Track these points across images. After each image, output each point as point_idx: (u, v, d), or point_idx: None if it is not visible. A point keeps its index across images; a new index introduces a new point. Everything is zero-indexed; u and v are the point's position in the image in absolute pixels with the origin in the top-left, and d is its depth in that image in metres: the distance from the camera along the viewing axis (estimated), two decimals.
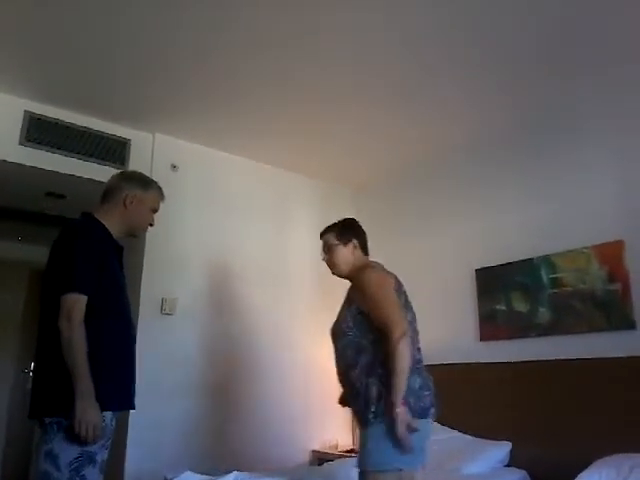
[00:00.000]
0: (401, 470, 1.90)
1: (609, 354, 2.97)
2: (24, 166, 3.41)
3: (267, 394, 3.88)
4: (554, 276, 3.41)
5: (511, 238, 3.66)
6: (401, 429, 1.84)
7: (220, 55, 2.97)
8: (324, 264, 4.34)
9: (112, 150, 3.72)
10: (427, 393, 2.03)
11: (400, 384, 1.89)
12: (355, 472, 2.99)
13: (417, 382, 2.01)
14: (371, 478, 1.94)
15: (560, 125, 3.53)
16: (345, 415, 4.29)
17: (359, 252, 2.33)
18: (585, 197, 3.34)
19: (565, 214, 3.41)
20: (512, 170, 3.76)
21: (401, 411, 1.86)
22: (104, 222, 2.02)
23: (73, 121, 3.57)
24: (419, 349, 2.12)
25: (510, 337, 3.53)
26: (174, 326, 3.62)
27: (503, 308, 3.63)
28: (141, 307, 3.52)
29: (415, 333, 2.13)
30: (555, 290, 3.39)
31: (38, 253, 5.17)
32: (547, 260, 3.45)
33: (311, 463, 3.83)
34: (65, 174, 3.57)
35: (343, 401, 2.33)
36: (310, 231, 4.52)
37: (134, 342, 2.04)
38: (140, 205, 2.10)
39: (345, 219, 2.45)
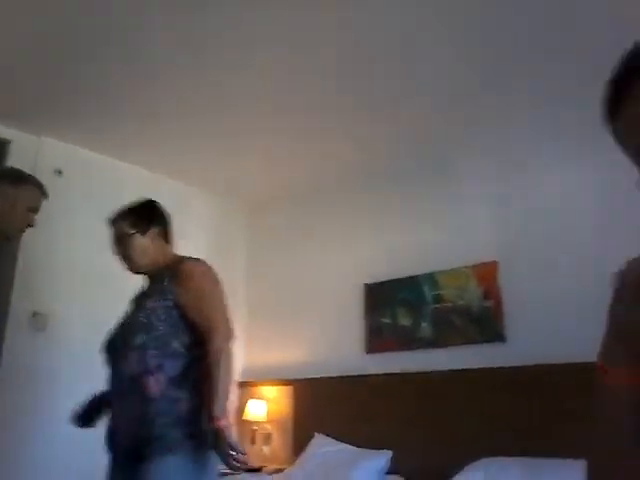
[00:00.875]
0: None
1: (482, 365, 3.19)
2: None
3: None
4: (436, 293, 3.62)
5: (399, 255, 3.85)
6: (226, 447, 1.52)
7: (116, 59, 2.85)
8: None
9: None
10: None
11: (226, 391, 1.60)
12: None
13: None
14: None
15: (446, 159, 3.80)
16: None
17: (160, 242, 1.95)
18: (466, 221, 3.63)
19: (449, 236, 3.66)
20: (403, 193, 3.97)
21: (226, 425, 1.55)
22: None
23: None
24: None
25: (395, 349, 3.68)
26: (46, 344, 3.35)
27: (389, 322, 3.78)
28: (9, 321, 3.23)
29: None
30: (437, 305, 3.59)
31: None
32: (431, 277, 3.66)
33: None
34: None
35: (85, 418, 1.88)
36: (203, 244, 4.43)
37: None
38: (12, 204, 1.92)
39: (142, 202, 2.05)
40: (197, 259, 1.89)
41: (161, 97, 3.23)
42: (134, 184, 4.05)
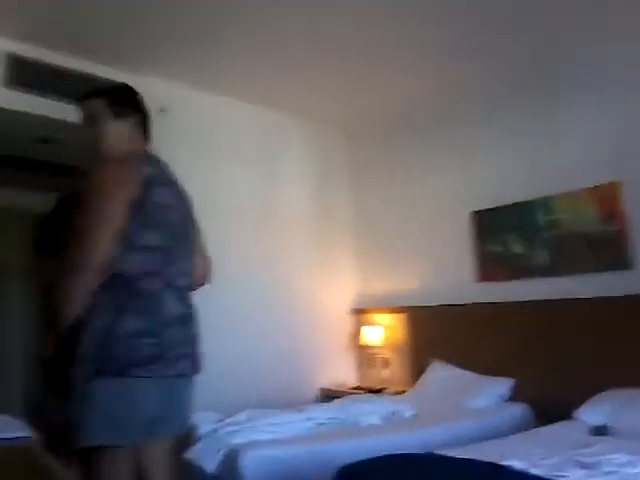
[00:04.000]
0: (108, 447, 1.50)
1: (606, 293, 3.08)
2: (9, 111, 3.24)
3: (273, 334, 3.98)
4: (551, 218, 3.48)
5: (508, 180, 3.69)
6: None
7: None
8: (319, 210, 4.39)
9: None
10: (151, 341, 1.50)
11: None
12: (369, 405, 3.13)
13: (134, 324, 1.49)
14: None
15: (561, 67, 3.48)
16: (351, 354, 4.44)
17: (133, 135, 1.73)
18: (583, 139, 3.35)
19: (563, 156, 3.43)
20: (511, 111, 3.73)
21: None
22: None
23: (61, 63, 3.38)
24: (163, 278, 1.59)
25: (507, 279, 3.63)
26: None
27: (500, 250, 3.71)
28: None
29: (167, 264, 1.59)
30: (552, 232, 3.46)
31: (34, 199, 5.01)
32: (544, 202, 3.50)
33: (320, 400, 3.98)
34: (53, 118, 3.40)
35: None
36: (303, 176, 4.49)
37: None
38: None
39: (123, 84, 1.84)
40: (115, 159, 1.61)
41: (256, 31, 3.20)
42: (233, 116, 4.12)
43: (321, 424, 3.04)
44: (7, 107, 3.21)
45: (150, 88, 3.66)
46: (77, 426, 1.46)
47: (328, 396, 3.90)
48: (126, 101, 1.77)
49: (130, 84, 3.49)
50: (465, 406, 3.18)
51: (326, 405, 3.34)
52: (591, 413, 2.66)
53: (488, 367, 3.44)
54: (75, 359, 1.48)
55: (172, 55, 3.51)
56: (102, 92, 1.76)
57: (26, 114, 3.30)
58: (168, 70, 3.68)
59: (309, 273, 4.33)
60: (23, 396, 4.64)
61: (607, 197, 3.23)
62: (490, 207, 3.77)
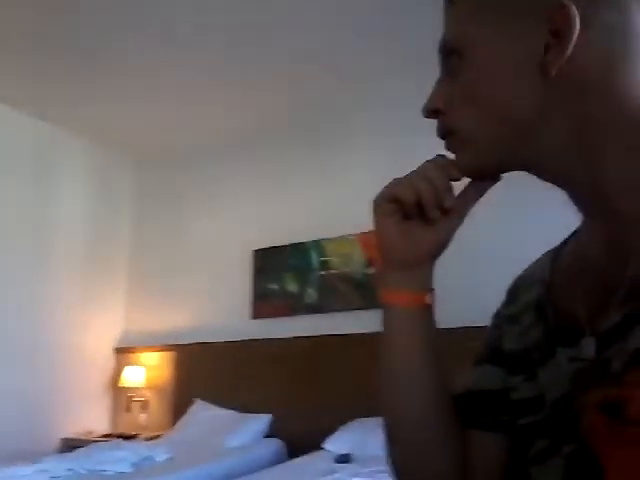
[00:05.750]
0: None
1: (365, 330, 3.22)
2: None
3: (11, 375, 3.44)
4: (323, 259, 3.65)
5: (287, 222, 3.82)
6: None
7: None
8: (92, 237, 4.02)
9: None
10: None
11: None
12: (117, 452, 2.79)
13: None
14: None
15: (337, 122, 3.78)
16: (102, 400, 4.02)
17: None
18: (355, 187, 3.61)
19: (336, 202, 3.66)
20: (291, 160, 3.92)
21: None
22: None
23: None
24: None
25: (280, 315, 3.68)
26: None
27: (276, 287, 3.76)
28: None
29: None
30: (323, 272, 3.62)
31: None
32: (318, 244, 3.67)
33: (61, 451, 3.47)
34: None
35: None
36: (77, 199, 4.13)
37: None
38: None
39: None
40: None
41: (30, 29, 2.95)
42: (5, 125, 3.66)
43: (56, 478, 2.64)
44: None
45: None
46: None
47: (72, 447, 3.39)
48: None
49: None
50: (223, 445, 3.02)
51: (66, 455, 2.94)
52: (336, 443, 2.74)
53: (253, 404, 3.36)
54: None
55: None
56: None
57: None
58: None
59: (72, 305, 3.88)
60: None
61: (371, 243, 3.49)
62: (269, 246, 3.82)
